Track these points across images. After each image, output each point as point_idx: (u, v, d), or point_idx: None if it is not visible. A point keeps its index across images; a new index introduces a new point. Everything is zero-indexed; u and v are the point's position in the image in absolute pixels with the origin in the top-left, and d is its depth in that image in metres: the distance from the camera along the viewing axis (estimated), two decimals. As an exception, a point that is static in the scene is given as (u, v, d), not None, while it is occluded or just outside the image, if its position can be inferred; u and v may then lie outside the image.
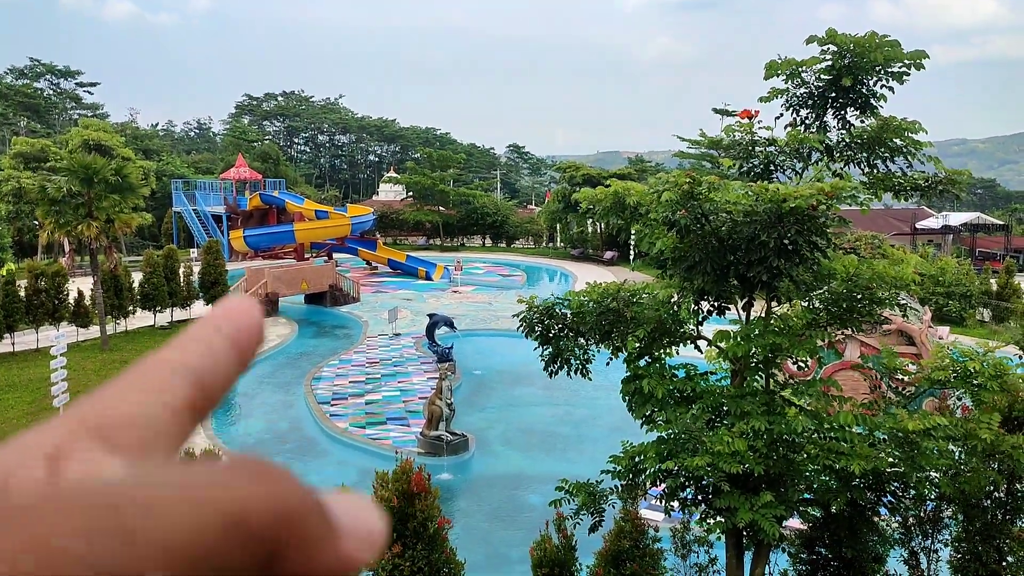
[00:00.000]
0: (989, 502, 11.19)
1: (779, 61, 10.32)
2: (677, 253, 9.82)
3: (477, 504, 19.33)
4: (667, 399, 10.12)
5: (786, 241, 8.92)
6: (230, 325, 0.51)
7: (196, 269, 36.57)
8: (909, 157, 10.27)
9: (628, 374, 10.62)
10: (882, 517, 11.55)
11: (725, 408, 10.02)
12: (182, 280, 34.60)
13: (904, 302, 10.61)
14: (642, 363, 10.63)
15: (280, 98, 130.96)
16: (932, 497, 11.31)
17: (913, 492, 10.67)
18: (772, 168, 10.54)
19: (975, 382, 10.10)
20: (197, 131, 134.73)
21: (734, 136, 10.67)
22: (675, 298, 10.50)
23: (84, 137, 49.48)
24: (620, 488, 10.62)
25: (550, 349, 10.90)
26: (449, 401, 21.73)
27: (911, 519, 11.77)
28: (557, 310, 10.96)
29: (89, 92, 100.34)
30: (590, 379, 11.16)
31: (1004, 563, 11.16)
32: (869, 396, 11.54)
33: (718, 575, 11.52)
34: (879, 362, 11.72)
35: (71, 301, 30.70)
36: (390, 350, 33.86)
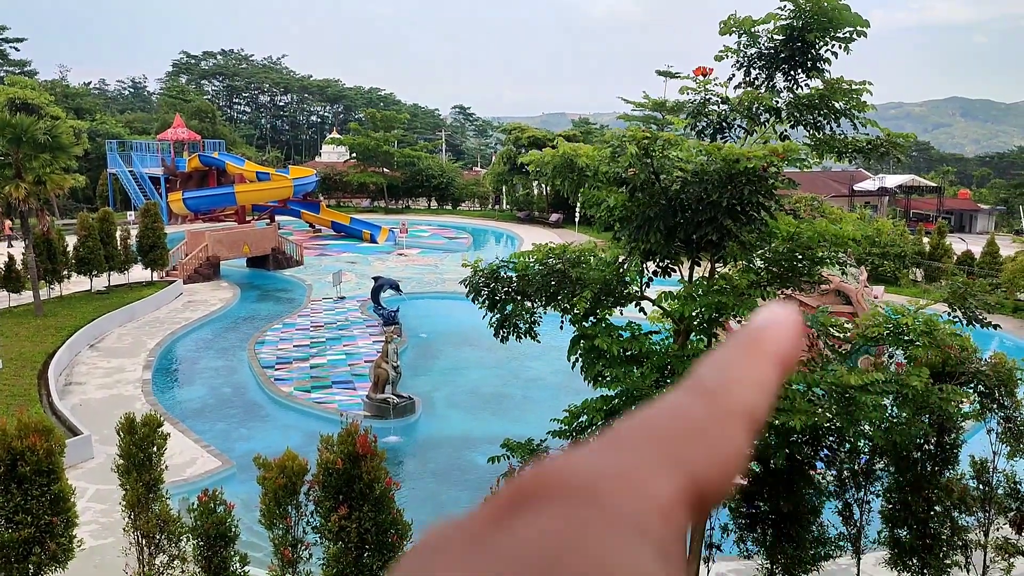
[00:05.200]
0: (919, 454, 11.62)
1: (734, 19, 10.35)
2: (626, 212, 9.87)
3: (424, 466, 19.41)
4: (616, 357, 10.25)
5: (735, 201, 9.03)
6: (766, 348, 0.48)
7: (134, 232, 35.60)
8: (853, 119, 10.45)
9: (575, 334, 10.70)
10: (818, 471, 11.93)
11: (670, 367, 10.17)
12: (119, 244, 33.63)
13: (844, 260, 10.85)
14: (587, 323, 10.72)
15: (219, 57, 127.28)
16: (866, 450, 11.71)
17: (848, 446, 11.02)
18: (724, 127, 10.61)
19: (907, 338, 10.41)
20: (131, 90, 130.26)
21: (688, 93, 10.70)
22: (621, 259, 10.57)
23: (10, 95, 47.46)
24: (564, 449, 10.74)
25: (497, 315, 10.92)
26: (395, 364, 21.68)
27: (845, 472, 12.18)
28: (503, 273, 10.95)
29: (15, 48, 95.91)
30: (539, 341, 11.22)
31: (932, 512, 11.63)
32: (806, 354, 11.82)
33: (661, 530, 11.75)
34: (816, 320, 12.01)
35: (1, 265, 29.70)
36: (335, 314, 33.55)
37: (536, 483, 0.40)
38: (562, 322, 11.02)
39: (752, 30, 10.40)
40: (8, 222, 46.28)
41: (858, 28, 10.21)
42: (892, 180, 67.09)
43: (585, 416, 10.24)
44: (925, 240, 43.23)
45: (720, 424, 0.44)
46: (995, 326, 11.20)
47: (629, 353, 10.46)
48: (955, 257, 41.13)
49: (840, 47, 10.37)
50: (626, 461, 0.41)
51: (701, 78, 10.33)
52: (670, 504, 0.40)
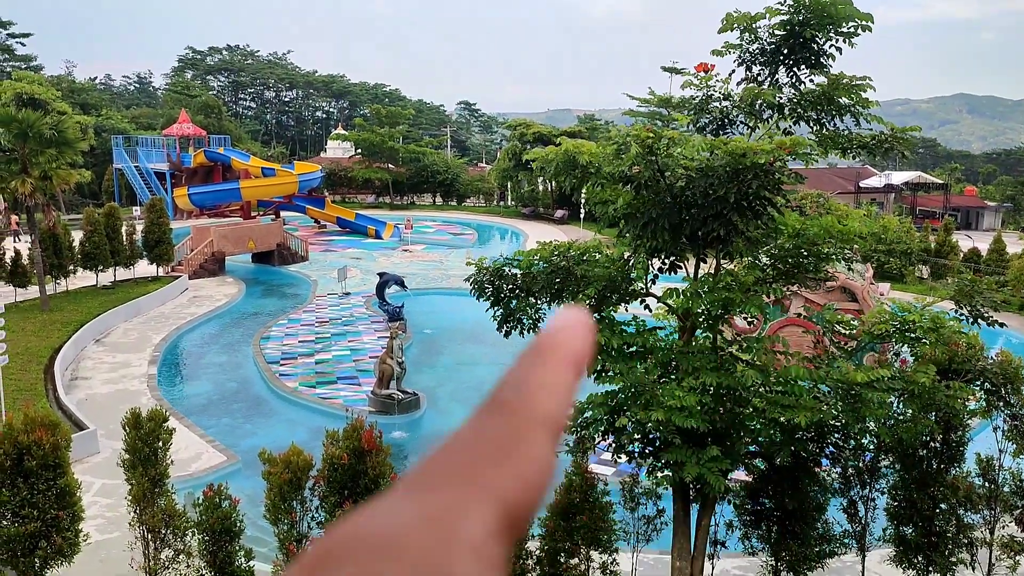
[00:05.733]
0: (925, 451, 11.59)
1: (735, 15, 10.30)
2: (631, 210, 9.84)
3: (429, 461, 19.40)
4: (619, 352, 10.24)
5: (741, 197, 8.99)
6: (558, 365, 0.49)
7: (139, 228, 35.66)
8: (857, 115, 10.40)
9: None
10: (823, 468, 11.90)
11: (674, 363, 10.15)
12: (125, 239, 33.69)
13: (850, 255, 10.81)
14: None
15: (224, 52, 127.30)
16: (871, 447, 11.68)
17: (853, 443, 10.99)
18: (726, 123, 10.58)
19: (913, 335, 10.37)
20: (137, 85, 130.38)
21: (691, 88, 10.67)
22: (627, 255, 10.56)
23: (17, 90, 47.59)
24: (570, 445, 10.77)
25: (502, 310, 10.92)
26: (400, 360, 21.69)
27: (850, 469, 12.16)
28: (507, 270, 10.94)
29: (21, 43, 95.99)
30: (542, 337, 11.20)
31: (938, 510, 11.60)
32: (812, 351, 11.80)
33: (666, 527, 11.77)
34: (821, 317, 11.99)
35: (7, 260, 29.79)
36: (340, 309, 33.59)
37: (338, 544, 0.39)
38: None
39: (752, 26, 10.36)
40: (14, 217, 46.42)
41: (862, 23, 10.16)
42: (898, 177, 66.96)
43: (590, 411, 10.23)
44: (931, 237, 43.09)
45: (523, 438, 0.44)
46: (1001, 324, 11.15)
47: (632, 349, 10.44)
48: (961, 254, 40.98)
49: (844, 42, 10.31)
50: (431, 503, 0.40)
51: (703, 74, 10.30)
52: (481, 541, 0.39)
